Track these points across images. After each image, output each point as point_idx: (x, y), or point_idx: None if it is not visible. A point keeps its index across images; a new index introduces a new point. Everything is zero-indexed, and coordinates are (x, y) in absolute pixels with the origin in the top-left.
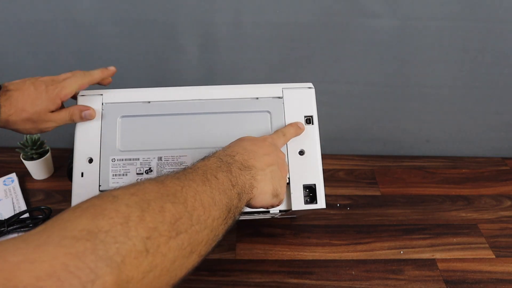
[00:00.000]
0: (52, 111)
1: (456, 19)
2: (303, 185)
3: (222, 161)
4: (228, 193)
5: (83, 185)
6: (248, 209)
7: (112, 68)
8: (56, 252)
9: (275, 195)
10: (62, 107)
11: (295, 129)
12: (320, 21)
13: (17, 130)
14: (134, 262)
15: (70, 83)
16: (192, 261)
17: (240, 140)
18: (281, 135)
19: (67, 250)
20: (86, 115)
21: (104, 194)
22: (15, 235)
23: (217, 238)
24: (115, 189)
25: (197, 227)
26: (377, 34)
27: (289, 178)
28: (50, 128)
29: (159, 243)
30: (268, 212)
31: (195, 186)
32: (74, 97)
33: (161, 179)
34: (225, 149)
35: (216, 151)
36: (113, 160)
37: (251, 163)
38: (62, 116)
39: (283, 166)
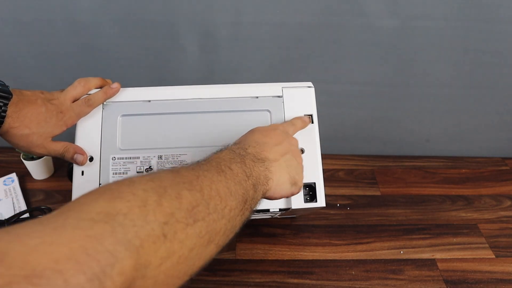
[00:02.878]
0: (53, 138)
1: (456, 19)
2: (303, 183)
3: (235, 153)
4: (243, 184)
5: (84, 184)
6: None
7: (116, 86)
8: (74, 234)
9: (294, 183)
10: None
11: (302, 122)
12: (320, 21)
13: (9, 142)
14: (152, 247)
15: (78, 112)
16: (210, 251)
17: (251, 132)
18: (290, 124)
19: (85, 232)
20: (77, 159)
21: (120, 180)
22: None
23: (234, 229)
24: (132, 176)
25: (214, 216)
26: (377, 34)
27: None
28: (39, 154)
29: (176, 229)
30: (268, 211)
31: (210, 176)
32: None
33: (176, 169)
34: (236, 142)
35: (228, 145)
36: (114, 158)
37: (264, 155)
38: (57, 148)
39: (297, 153)
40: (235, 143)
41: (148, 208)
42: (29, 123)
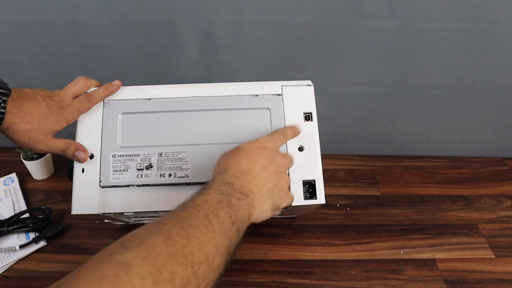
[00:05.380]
0: (54, 135)
1: (456, 20)
2: (303, 180)
3: (222, 193)
4: (228, 233)
5: (84, 181)
6: None
7: (116, 83)
8: None
9: (275, 208)
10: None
11: (293, 132)
12: (320, 21)
13: (11, 139)
14: None
15: (78, 108)
16: None
17: (237, 155)
18: (281, 135)
19: None
20: (78, 156)
21: (115, 257)
22: (15, 235)
23: (216, 281)
24: (124, 245)
25: (202, 285)
26: (377, 34)
27: (289, 174)
28: (40, 151)
29: None
30: None
31: (199, 236)
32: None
33: (166, 229)
34: (222, 170)
35: (215, 180)
36: (114, 156)
37: (249, 188)
38: (58, 145)
39: (283, 175)
40: (221, 175)
41: None
42: (30, 118)
